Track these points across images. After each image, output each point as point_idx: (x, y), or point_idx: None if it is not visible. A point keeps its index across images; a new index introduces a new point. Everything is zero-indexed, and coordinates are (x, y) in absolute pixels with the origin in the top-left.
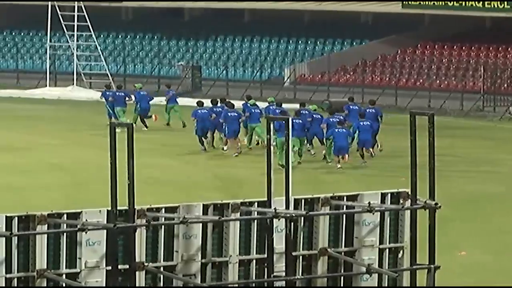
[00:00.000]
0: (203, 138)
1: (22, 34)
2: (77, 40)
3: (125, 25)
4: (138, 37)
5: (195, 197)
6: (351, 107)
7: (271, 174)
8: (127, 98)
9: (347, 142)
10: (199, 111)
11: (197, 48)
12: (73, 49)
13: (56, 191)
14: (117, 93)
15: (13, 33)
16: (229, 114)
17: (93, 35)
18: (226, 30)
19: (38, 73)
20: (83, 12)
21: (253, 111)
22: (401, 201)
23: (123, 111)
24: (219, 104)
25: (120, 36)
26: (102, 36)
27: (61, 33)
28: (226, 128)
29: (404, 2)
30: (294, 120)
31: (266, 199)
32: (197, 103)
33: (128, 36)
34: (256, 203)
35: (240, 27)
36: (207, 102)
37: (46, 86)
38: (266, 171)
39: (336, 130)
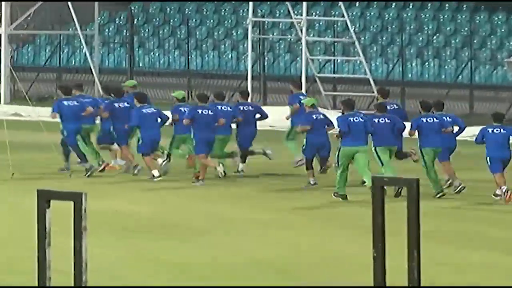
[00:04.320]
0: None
1: (197, 2)
2: (309, 14)
3: None
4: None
5: None
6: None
7: None
8: None
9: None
10: (66, 102)
11: None
12: (301, 33)
13: None
14: None
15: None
16: (199, 112)
17: (342, 5)
18: None
19: (230, 77)
20: None
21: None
22: None
23: None
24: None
25: (403, 6)
26: (373, 9)
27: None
28: (195, 139)
29: None
30: (374, 119)
31: None
32: (59, 88)
33: (427, 8)
34: None
35: None
36: None
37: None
38: None
39: (490, 130)
